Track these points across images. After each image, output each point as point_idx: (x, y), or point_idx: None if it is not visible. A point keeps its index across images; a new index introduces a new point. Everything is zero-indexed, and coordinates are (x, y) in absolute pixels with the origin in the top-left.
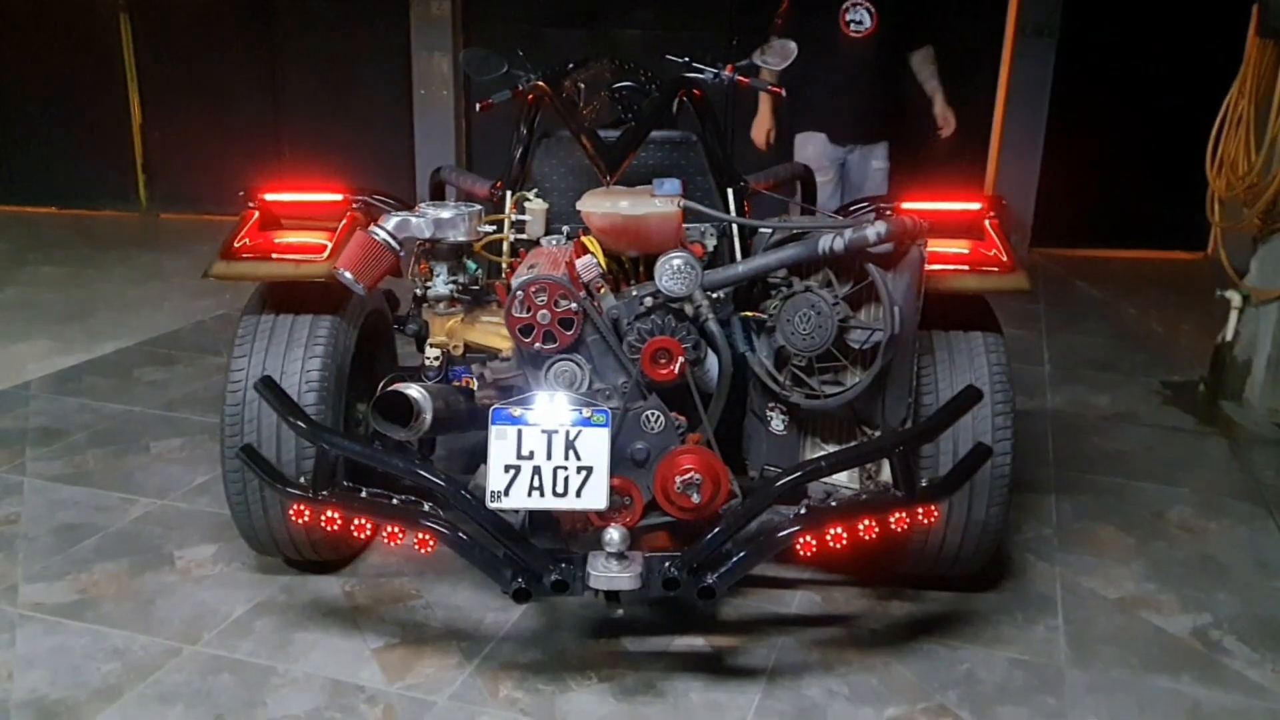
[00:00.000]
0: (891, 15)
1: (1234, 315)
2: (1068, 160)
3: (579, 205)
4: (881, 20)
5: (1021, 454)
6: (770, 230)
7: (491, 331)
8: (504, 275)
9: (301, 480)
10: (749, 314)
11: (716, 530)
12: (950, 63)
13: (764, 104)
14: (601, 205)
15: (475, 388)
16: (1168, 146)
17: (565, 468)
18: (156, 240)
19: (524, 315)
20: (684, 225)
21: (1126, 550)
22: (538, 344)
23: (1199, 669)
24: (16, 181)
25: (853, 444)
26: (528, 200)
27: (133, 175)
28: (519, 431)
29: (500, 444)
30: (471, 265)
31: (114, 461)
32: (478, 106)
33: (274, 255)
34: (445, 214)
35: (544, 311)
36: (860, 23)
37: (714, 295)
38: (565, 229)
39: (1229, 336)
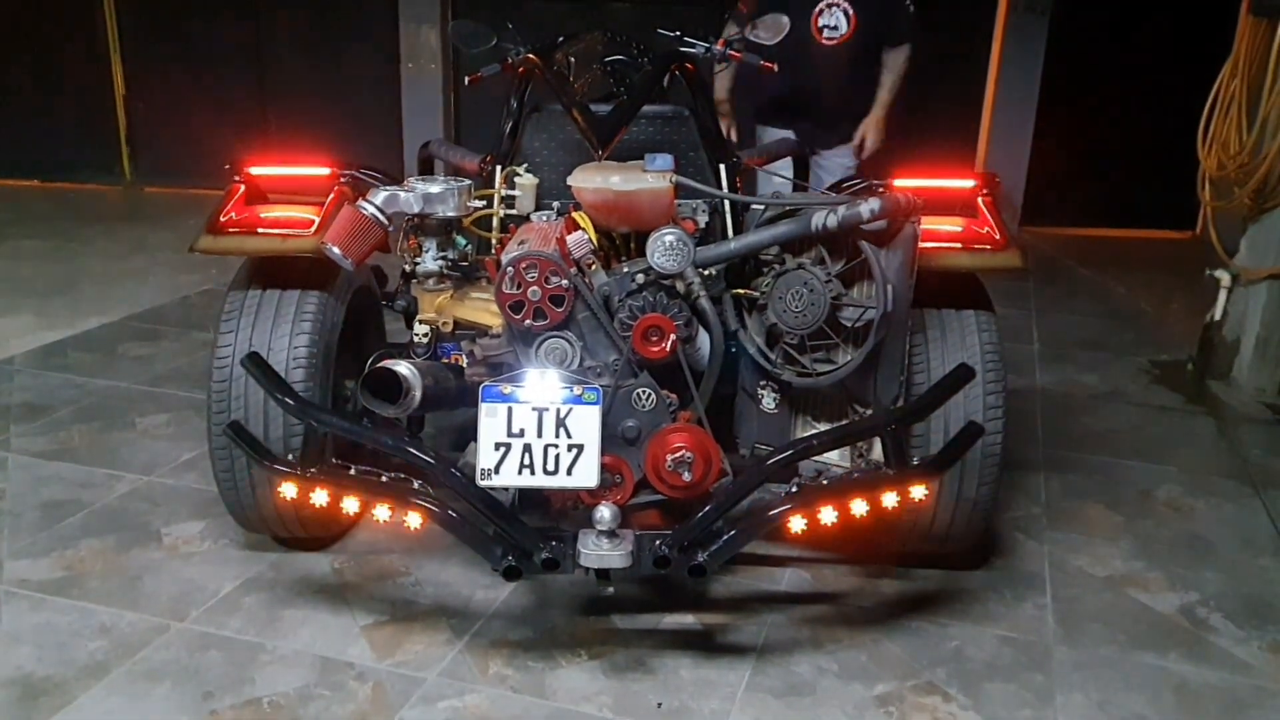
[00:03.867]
0: (871, 18)
1: (1223, 295)
2: (1059, 139)
3: (570, 180)
4: (860, 25)
5: (1011, 432)
6: (763, 207)
7: (481, 308)
8: (494, 251)
9: (289, 457)
10: (741, 291)
11: (707, 508)
12: (940, 42)
13: (720, 83)
14: (593, 180)
15: (465, 365)
16: (1159, 126)
17: (556, 445)
18: (140, 214)
19: (515, 291)
20: (676, 201)
21: (1114, 528)
22: (528, 321)
23: (1186, 646)
24: None
25: (844, 422)
26: (518, 175)
27: (116, 148)
28: (509, 409)
29: (490, 421)
30: (461, 241)
31: (99, 437)
32: (466, 80)
33: (261, 230)
34: (434, 189)
35: (535, 288)
36: (835, 28)
37: (706, 272)
38: (556, 204)
39: (1217, 316)
